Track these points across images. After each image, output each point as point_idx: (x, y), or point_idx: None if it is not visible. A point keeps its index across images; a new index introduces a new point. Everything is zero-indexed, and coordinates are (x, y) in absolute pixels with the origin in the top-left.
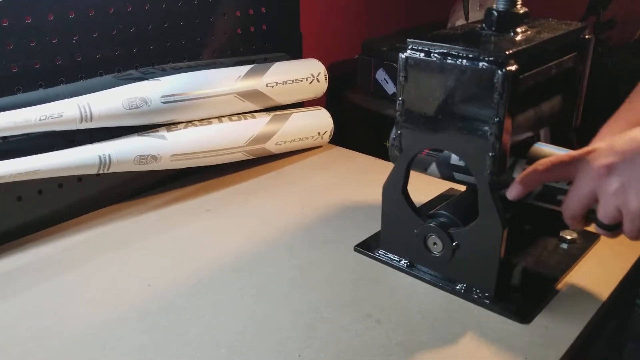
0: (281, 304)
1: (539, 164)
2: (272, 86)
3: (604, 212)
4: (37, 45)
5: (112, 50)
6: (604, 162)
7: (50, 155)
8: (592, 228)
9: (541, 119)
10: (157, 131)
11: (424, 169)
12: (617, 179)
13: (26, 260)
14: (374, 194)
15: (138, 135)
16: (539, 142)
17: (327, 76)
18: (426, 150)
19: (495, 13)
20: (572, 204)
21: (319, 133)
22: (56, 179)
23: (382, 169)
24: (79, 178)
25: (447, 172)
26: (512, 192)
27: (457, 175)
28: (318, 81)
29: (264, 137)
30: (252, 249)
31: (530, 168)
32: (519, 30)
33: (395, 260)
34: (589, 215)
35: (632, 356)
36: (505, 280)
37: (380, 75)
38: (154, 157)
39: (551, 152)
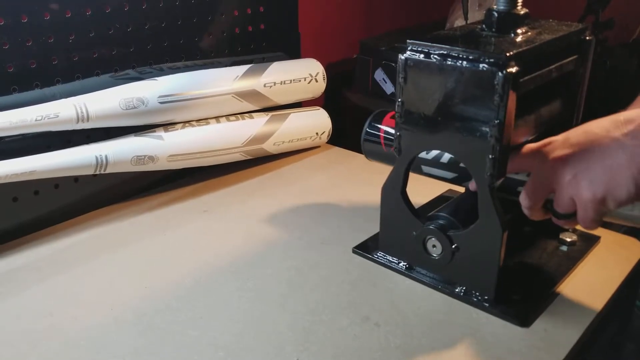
0: (279, 306)
1: None
2: (270, 86)
3: (559, 202)
4: (33, 44)
5: (109, 50)
6: (559, 154)
7: (47, 156)
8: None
9: (541, 120)
10: (154, 131)
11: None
12: (571, 170)
13: (22, 262)
14: (373, 195)
15: (135, 136)
16: None
17: (325, 76)
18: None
19: (496, 14)
20: (529, 195)
21: (317, 133)
22: (52, 180)
23: (381, 170)
24: (76, 179)
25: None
26: (474, 184)
27: (424, 168)
28: (316, 81)
29: (262, 138)
30: (249, 250)
31: None
32: (519, 31)
33: (394, 262)
34: (546, 205)
35: (632, 357)
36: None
37: (379, 75)
38: (151, 158)
39: None
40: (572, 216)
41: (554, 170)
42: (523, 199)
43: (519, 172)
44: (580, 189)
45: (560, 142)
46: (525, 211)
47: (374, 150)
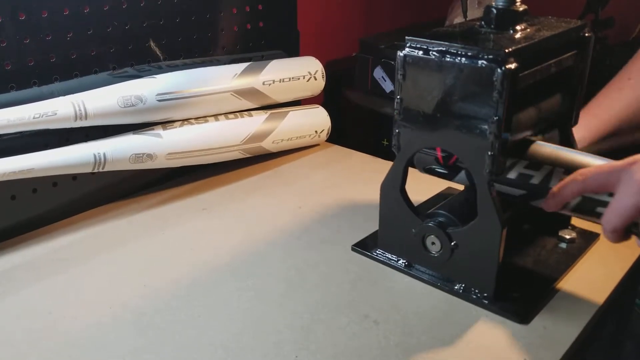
0: (278, 304)
1: (578, 174)
2: (269, 84)
3: None
4: (31, 42)
5: (107, 48)
6: None
7: (45, 154)
8: (633, 242)
9: (540, 117)
10: (153, 129)
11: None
12: None
13: (20, 260)
14: (372, 193)
15: (133, 134)
16: (539, 141)
17: (324, 74)
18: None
19: (495, 10)
20: (613, 217)
21: (316, 131)
22: (51, 178)
23: (379, 168)
24: (74, 177)
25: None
26: (550, 203)
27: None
28: (315, 79)
29: (261, 136)
30: (248, 249)
31: (568, 178)
32: (518, 28)
33: (393, 260)
34: (631, 228)
35: (631, 355)
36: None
37: (378, 73)
38: (150, 156)
39: (552, 151)
40: None
41: None
42: (606, 222)
43: (600, 191)
44: None
45: None
46: (608, 235)
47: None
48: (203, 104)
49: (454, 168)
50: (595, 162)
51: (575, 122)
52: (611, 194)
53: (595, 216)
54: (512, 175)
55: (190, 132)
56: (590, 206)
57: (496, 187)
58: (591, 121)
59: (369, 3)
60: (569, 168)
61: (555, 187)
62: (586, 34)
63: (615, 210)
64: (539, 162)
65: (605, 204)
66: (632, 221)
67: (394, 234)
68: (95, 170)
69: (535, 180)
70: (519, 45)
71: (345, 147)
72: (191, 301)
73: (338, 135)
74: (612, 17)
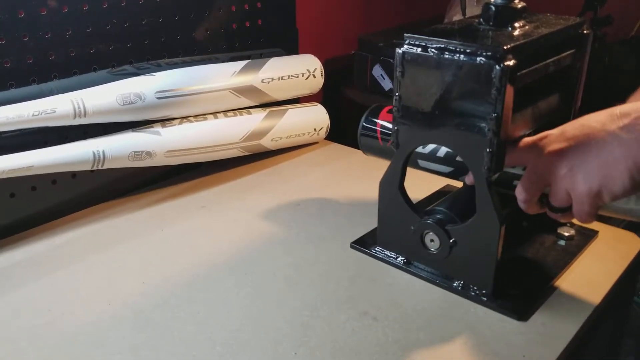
0: (277, 301)
1: None
2: (268, 82)
3: (555, 196)
4: (30, 40)
5: (106, 46)
6: (555, 147)
7: (44, 151)
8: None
9: (539, 114)
10: (152, 127)
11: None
12: (566, 163)
13: (19, 258)
14: (371, 191)
15: (132, 131)
16: None
17: (323, 72)
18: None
19: (493, 8)
20: (525, 188)
21: (315, 129)
22: (50, 175)
23: (378, 166)
24: (73, 174)
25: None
26: (471, 178)
27: (421, 162)
28: (314, 77)
29: (260, 133)
30: (247, 246)
31: None
32: (516, 25)
33: (391, 257)
34: (542, 199)
35: (630, 352)
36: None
37: (377, 71)
38: (149, 153)
39: None
40: (567, 210)
41: (550, 164)
42: (519, 193)
43: (515, 165)
44: (576, 182)
45: (556, 136)
46: (521, 205)
47: (371, 145)
48: (202, 102)
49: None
50: None
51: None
52: (525, 168)
53: (512, 189)
54: (441, 153)
55: (189, 130)
56: (507, 179)
57: (428, 165)
58: None
59: (367, 1)
60: None
61: None
62: (585, 31)
63: (526, 182)
64: None
65: (520, 177)
66: (542, 192)
67: (393, 231)
68: (95, 168)
69: (460, 158)
70: (518, 43)
71: (344, 145)
72: (190, 298)
73: (337, 133)
74: (611, 14)
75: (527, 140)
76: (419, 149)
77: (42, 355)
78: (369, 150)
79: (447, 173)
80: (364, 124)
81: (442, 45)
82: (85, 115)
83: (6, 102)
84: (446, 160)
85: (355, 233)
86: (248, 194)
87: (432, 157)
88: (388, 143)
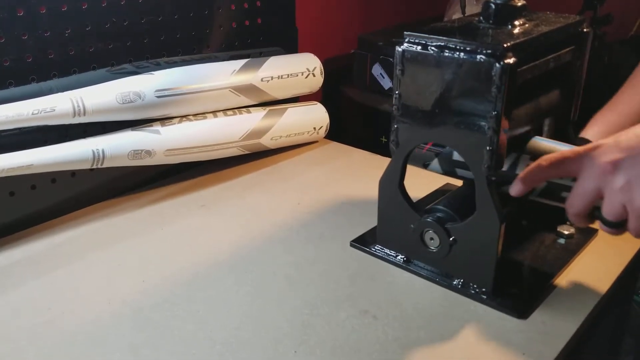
0: (277, 300)
1: (543, 160)
2: (268, 80)
3: (609, 209)
4: (30, 38)
5: (105, 44)
6: (610, 158)
7: (44, 150)
8: (596, 225)
9: (539, 112)
10: (151, 126)
11: (425, 164)
12: (623, 175)
13: (19, 257)
14: (370, 189)
15: (132, 130)
16: (537, 136)
17: (322, 71)
18: (427, 146)
19: (493, 6)
20: (576, 201)
21: (314, 128)
22: (49, 174)
23: (378, 164)
24: (73, 173)
25: (449, 167)
26: (515, 189)
27: (459, 171)
28: (314, 76)
29: (259, 132)
30: (247, 245)
31: (533, 164)
32: (516, 23)
33: (391, 255)
34: (594, 212)
35: (630, 351)
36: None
37: (376, 70)
38: (148, 152)
39: (550, 145)
40: (622, 224)
41: (604, 176)
42: (570, 206)
43: (564, 176)
44: (634, 196)
45: (610, 146)
46: (571, 218)
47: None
48: (201, 101)
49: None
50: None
51: (574, 118)
52: (575, 179)
53: (561, 201)
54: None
55: (188, 129)
56: (555, 191)
57: (468, 174)
58: (609, 117)
59: (367, 0)
60: None
61: (521, 173)
62: (584, 30)
63: (578, 195)
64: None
65: (569, 189)
66: (595, 205)
67: (393, 230)
68: (94, 167)
69: (503, 167)
70: (518, 40)
71: (344, 144)
72: (190, 297)
73: (336, 132)
74: (611, 13)
75: (578, 149)
76: (458, 157)
77: (42, 354)
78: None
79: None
80: None
81: (442, 44)
82: (84, 114)
83: (5, 101)
84: None
85: (355, 231)
86: (248, 192)
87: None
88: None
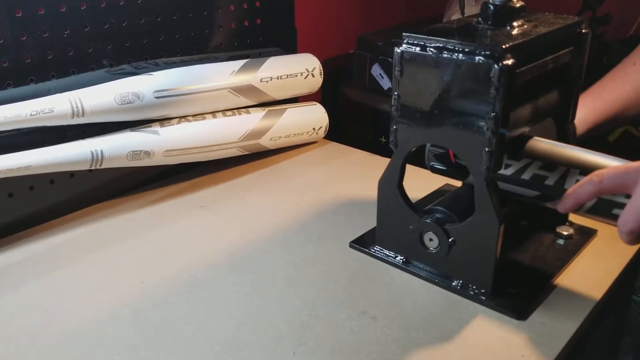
0: (276, 300)
1: (595, 175)
2: (267, 81)
3: None
4: (28, 39)
5: (104, 45)
6: None
7: (42, 151)
8: None
9: (538, 113)
10: (150, 126)
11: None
12: None
13: (17, 257)
14: (370, 190)
15: (131, 131)
16: (537, 137)
17: (322, 71)
18: None
19: (492, 7)
20: (630, 219)
21: (314, 128)
22: (48, 175)
23: (377, 165)
24: (71, 174)
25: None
26: (564, 205)
27: (500, 184)
28: (313, 76)
29: (259, 133)
30: (246, 245)
31: (584, 179)
32: (515, 24)
33: (390, 256)
34: None
35: (629, 350)
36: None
37: (376, 70)
38: (147, 153)
39: (550, 147)
40: None
41: None
42: (623, 224)
43: (617, 193)
44: None
45: None
46: (624, 237)
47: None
48: (200, 101)
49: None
50: (594, 158)
51: (573, 119)
52: (628, 196)
53: (612, 218)
54: (526, 176)
55: (187, 130)
56: (606, 207)
57: (510, 188)
58: (596, 103)
59: (366, 0)
60: (566, 164)
61: (570, 189)
62: (583, 30)
63: (632, 212)
64: (554, 163)
65: (621, 206)
66: None
67: (392, 231)
68: (93, 168)
69: (550, 182)
70: (516, 42)
71: (343, 144)
72: (189, 297)
73: (336, 133)
74: (610, 13)
75: (632, 164)
76: (502, 171)
77: (41, 355)
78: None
79: (533, 198)
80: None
81: (441, 45)
82: (83, 114)
83: (4, 102)
84: (532, 183)
85: (354, 232)
86: (247, 193)
87: (515, 179)
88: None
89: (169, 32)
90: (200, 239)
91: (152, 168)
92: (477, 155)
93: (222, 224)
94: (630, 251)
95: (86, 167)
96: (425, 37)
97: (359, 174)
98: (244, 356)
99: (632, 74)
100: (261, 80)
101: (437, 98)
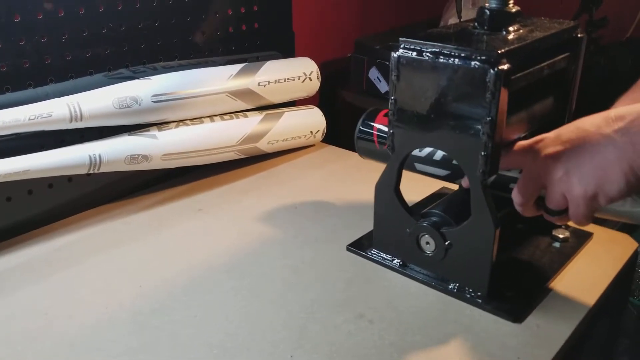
0: (273, 304)
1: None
2: (264, 85)
3: (551, 199)
4: (27, 44)
5: (102, 49)
6: (550, 150)
7: (40, 155)
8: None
9: (533, 117)
10: (148, 130)
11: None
12: (562, 166)
13: (16, 261)
14: (367, 193)
15: (129, 135)
16: None
17: (319, 75)
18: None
19: (488, 12)
20: (521, 191)
21: (311, 132)
22: (46, 179)
23: (374, 168)
24: (69, 178)
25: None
26: (467, 181)
27: (417, 165)
28: (310, 80)
29: (256, 136)
30: (244, 249)
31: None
32: (511, 29)
33: (387, 259)
34: (538, 202)
35: (625, 353)
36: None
37: (373, 73)
38: (145, 157)
39: None
40: (563, 212)
41: (546, 167)
42: (515, 196)
43: (511, 168)
44: (572, 185)
45: (551, 139)
46: (518, 208)
47: (368, 148)
48: (198, 105)
49: None
50: None
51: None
52: (521, 171)
53: (508, 192)
54: (438, 157)
55: (185, 133)
56: (503, 182)
57: (420, 167)
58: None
59: (364, 4)
60: None
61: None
62: (578, 35)
63: (522, 185)
64: None
65: (516, 180)
66: (539, 195)
67: (389, 234)
68: (91, 172)
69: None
70: (512, 47)
71: (341, 148)
72: (187, 301)
73: (333, 136)
74: (606, 16)
75: (523, 143)
76: (416, 152)
77: (39, 359)
78: (366, 153)
79: (444, 176)
80: (361, 127)
81: (437, 50)
82: (81, 119)
83: (2, 106)
84: (443, 163)
85: (352, 235)
86: (245, 196)
87: (428, 160)
88: (384, 146)
89: (166, 37)
90: (199, 243)
91: (150, 172)
92: (473, 159)
93: (220, 227)
94: (625, 254)
95: (84, 171)
96: (422, 42)
97: (356, 178)
98: (242, 359)
99: None
100: (259, 84)
101: (433, 102)
